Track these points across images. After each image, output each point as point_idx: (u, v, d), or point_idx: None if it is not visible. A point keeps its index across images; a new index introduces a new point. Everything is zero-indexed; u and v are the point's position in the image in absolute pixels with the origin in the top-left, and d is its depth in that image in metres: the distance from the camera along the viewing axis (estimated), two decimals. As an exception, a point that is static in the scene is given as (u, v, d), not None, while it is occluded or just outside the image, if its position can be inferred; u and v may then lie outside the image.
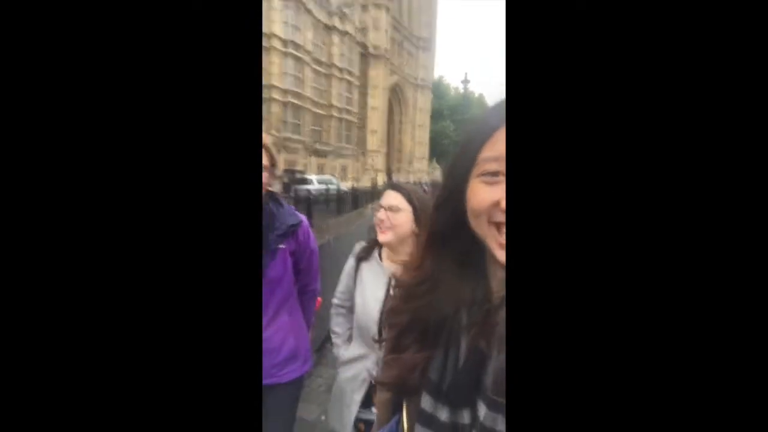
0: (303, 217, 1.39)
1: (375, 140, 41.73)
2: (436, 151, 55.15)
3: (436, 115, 56.26)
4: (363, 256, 1.45)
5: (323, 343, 3.11)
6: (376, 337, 1.24)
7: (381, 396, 0.63)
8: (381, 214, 1.31)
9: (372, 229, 1.38)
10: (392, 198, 1.32)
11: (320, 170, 31.77)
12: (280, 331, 1.32)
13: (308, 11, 30.58)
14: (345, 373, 1.41)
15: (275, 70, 28.04)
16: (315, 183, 19.10)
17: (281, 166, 27.99)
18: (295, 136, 30.32)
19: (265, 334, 1.28)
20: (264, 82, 27.69)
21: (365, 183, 32.73)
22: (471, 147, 0.46)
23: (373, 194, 16.99)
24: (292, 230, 1.32)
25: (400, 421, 0.56)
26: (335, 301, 1.53)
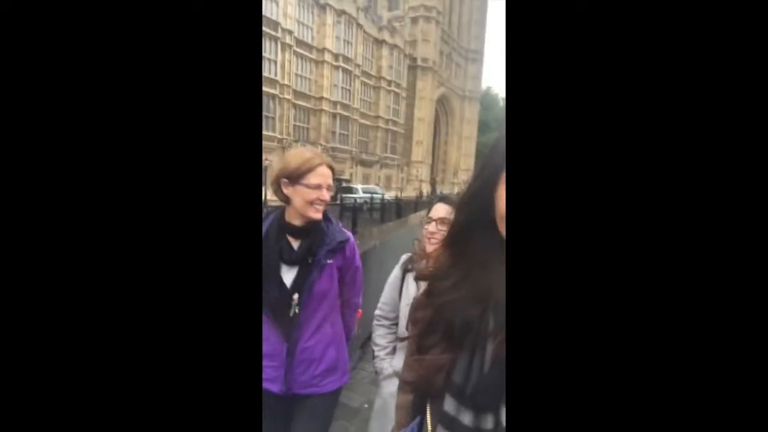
0: (350, 234, 1.42)
1: (420, 151, 41.95)
2: (483, 163, 54.25)
3: (483, 127, 55.60)
4: (409, 267, 1.43)
5: (366, 340, 3.28)
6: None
7: (402, 398, 0.64)
8: (431, 227, 1.31)
9: (418, 241, 1.39)
10: (443, 210, 1.32)
11: (365, 180, 32.42)
12: (322, 342, 1.34)
13: (360, 26, 31.60)
14: (388, 388, 1.38)
15: (326, 83, 29.18)
16: (360, 192, 19.57)
17: (328, 174, 28.89)
18: (343, 146, 31.24)
19: (308, 344, 1.31)
20: (315, 94, 28.92)
21: (409, 193, 32.94)
22: (502, 153, 0.45)
23: (417, 204, 17.13)
24: (341, 246, 1.35)
25: (423, 423, 0.55)
26: (378, 312, 1.51)
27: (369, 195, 15.85)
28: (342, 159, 31.36)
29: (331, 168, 1.31)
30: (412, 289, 1.38)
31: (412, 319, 0.58)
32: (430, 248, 1.28)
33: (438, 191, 40.26)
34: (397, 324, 1.41)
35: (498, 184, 0.47)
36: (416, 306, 0.58)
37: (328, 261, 1.32)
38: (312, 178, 1.27)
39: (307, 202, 1.28)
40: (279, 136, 25.56)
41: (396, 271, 1.46)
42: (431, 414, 0.54)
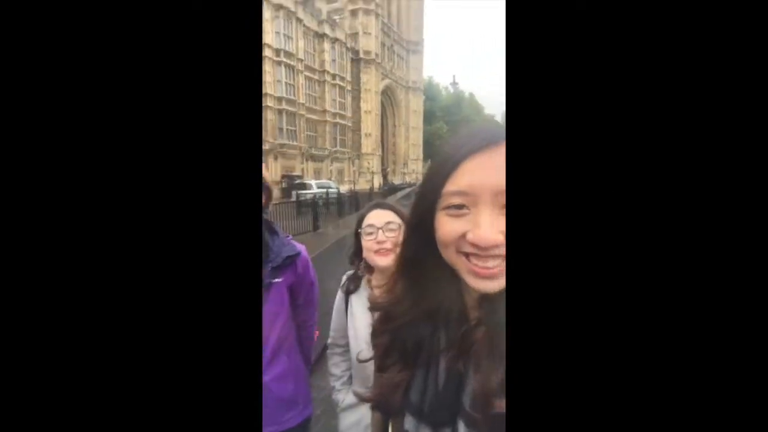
0: (302, 247, 1.26)
1: (370, 143, 42.30)
2: (430, 152, 55.76)
3: (429, 117, 56.94)
4: (351, 289, 1.28)
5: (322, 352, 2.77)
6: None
7: (375, 416, 0.67)
8: (380, 236, 1.14)
9: (355, 256, 1.25)
10: (385, 215, 1.18)
11: (317, 175, 32.27)
12: (277, 375, 1.19)
13: (299, 20, 31.14)
14: (346, 419, 1.27)
15: (268, 79, 28.55)
16: (314, 187, 19.58)
17: (278, 172, 28.48)
18: (292, 143, 30.82)
19: (262, 379, 1.15)
20: (259, 90, 28.20)
21: (362, 185, 33.20)
22: (436, 181, 0.46)
23: (371, 196, 17.49)
24: (289, 262, 1.19)
25: None
26: (329, 340, 1.37)
27: (324, 190, 15.98)
28: (292, 155, 30.95)
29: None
30: (357, 311, 1.25)
31: (373, 345, 0.61)
32: (382, 261, 1.13)
33: (389, 181, 40.84)
34: (349, 350, 1.27)
35: (435, 215, 0.47)
36: (374, 333, 0.61)
37: (275, 280, 1.16)
38: None
39: None
40: (224, 136, 24.74)
41: (339, 294, 1.32)
42: (392, 429, 0.56)
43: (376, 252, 1.14)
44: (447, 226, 0.45)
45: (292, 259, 1.20)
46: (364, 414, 1.17)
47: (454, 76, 69.88)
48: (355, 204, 13.47)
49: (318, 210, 9.62)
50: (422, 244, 0.50)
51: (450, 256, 0.46)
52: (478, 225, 0.42)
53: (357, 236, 1.21)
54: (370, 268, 1.21)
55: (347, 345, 1.28)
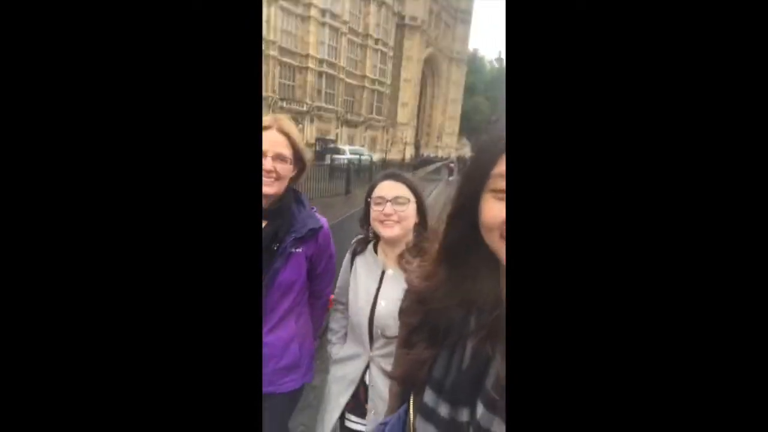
0: (324, 221, 1.28)
1: (406, 113, 41.92)
2: (468, 127, 54.63)
3: (470, 90, 55.36)
4: (358, 250, 1.33)
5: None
6: (366, 337, 1.22)
7: (393, 387, 0.69)
8: (388, 208, 1.17)
9: (364, 221, 1.28)
10: (396, 189, 1.19)
11: (351, 140, 32.56)
12: (283, 338, 1.22)
13: (347, -21, 30.56)
14: (335, 372, 1.32)
15: (311, 39, 28.53)
16: (347, 153, 19.95)
17: (313, 134, 28.94)
18: (329, 106, 31.05)
19: (267, 339, 1.18)
20: (301, 51, 28.34)
21: (394, 155, 33.34)
22: (485, 161, 0.46)
23: (402, 167, 17.72)
24: (311, 234, 1.22)
25: (407, 411, 0.59)
26: (333, 297, 1.41)
27: (357, 156, 16.34)
28: (327, 119, 31.27)
29: (286, 134, 1.14)
30: (360, 272, 1.29)
31: (402, 322, 0.63)
32: (386, 232, 1.17)
33: (422, 154, 40.67)
34: (348, 308, 1.31)
35: (481, 197, 0.47)
36: (406, 311, 0.61)
37: (296, 250, 1.19)
38: None
39: None
40: (264, 94, 25.28)
41: (347, 255, 1.36)
42: (415, 404, 0.57)
43: (382, 222, 1.18)
44: (494, 210, 0.45)
45: (315, 231, 1.23)
46: (351, 368, 1.27)
47: (500, 52, 66.81)
48: (387, 172, 13.83)
49: (350, 175, 10.05)
50: (466, 230, 0.50)
51: (493, 240, 0.46)
52: None
53: (366, 204, 1.25)
54: (376, 236, 1.26)
55: (348, 303, 1.32)
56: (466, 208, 0.49)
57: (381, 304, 1.19)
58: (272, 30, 25.43)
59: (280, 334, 1.22)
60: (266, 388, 1.21)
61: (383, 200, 1.18)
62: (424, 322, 0.57)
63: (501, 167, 0.44)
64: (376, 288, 1.23)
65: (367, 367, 1.24)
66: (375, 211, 1.20)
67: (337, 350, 1.36)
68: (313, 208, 1.30)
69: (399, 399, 0.65)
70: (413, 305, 0.59)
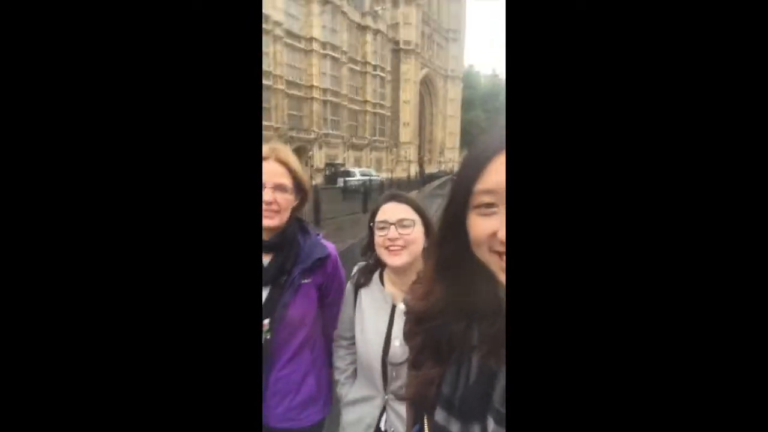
0: (332, 247, 1.25)
1: (407, 132, 43.52)
2: (467, 141, 56.06)
3: (468, 105, 57.06)
4: (362, 282, 1.21)
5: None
6: (380, 379, 1.11)
7: (409, 411, 0.68)
8: (392, 233, 1.06)
9: (367, 249, 1.19)
10: (400, 210, 1.09)
11: (357, 163, 34.07)
12: (298, 371, 1.17)
13: (344, 13, 32.62)
14: (347, 416, 1.19)
15: (315, 71, 30.39)
16: (358, 175, 21.27)
17: (323, 160, 30.50)
18: (335, 132, 32.70)
19: (282, 373, 1.14)
20: (306, 83, 30.18)
21: (399, 174, 34.69)
22: (466, 179, 0.47)
23: (409, 184, 18.95)
24: (319, 264, 1.18)
25: (422, 430, 0.59)
26: (336, 331, 1.29)
27: (367, 177, 17.67)
28: (335, 144, 32.88)
29: (284, 163, 1.10)
30: (366, 307, 1.19)
31: (408, 345, 0.62)
32: (393, 260, 1.08)
33: (424, 171, 42.02)
34: (355, 343, 1.22)
35: (467, 213, 0.48)
36: (408, 334, 0.62)
37: (305, 281, 1.16)
38: None
39: None
40: (275, 125, 26.94)
41: (348, 286, 1.26)
42: (429, 424, 0.57)
43: (387, 249, 1.08)
44: (478, 225, 0.46)
45: (323, 261, 1.19)
46: (366, 411, 1.15)
47: (493, 69, 68.86)
48: (397, 190, 15.12)
49: (357, 197, 11.33)
50: (457, 244, 0.50)
51: (483, 254, 0.47)
52: None
53: (370, 229, 1.16)
54: (381, 264, 1.16)
55: (353, 338, 1.22)
56: (453, 226, 0.50)
57: (395, 344, 1.08)
58: (278, 65, 27.30)
59: (295, 368, 1.18)
60: (284, 424, 1.17)
61: (387, 224, 1.09)
62: (427, 341, 0.57)
63: (482, 184, 0.45)
64: (386, 325, 1.12)
65: (384, 410, 1.12)
66: (379, 236, 1.10)
67: (346, 391, 1.24)
68: (318, 235, 1.27)
69: (412, 421, 0.66)
70: (414, 327, 0.60)
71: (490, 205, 0.44)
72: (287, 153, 1.14)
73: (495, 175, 0.44)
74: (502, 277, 0.44)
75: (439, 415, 0.53)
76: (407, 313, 0.61)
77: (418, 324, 0.58)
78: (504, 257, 0.43)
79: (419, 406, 0.60)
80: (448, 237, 0.52)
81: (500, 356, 0.47)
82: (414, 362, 0.60)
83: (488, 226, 0.44)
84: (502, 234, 0.43)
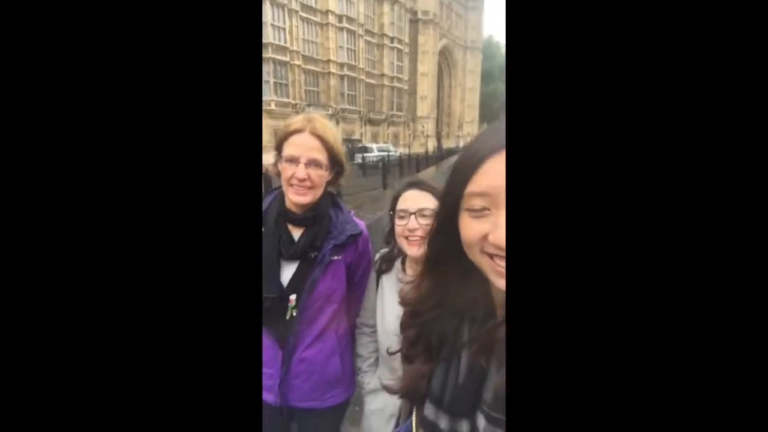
0: (363, 226, 1.21)
1: (425, 106, 42.93)
2: (487, 114, 54.99)
3: (487, 77, 55.62)
4: (384, 269, 1.22)
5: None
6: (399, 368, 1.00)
7: (405, 402, 0.69)
8: (412, 223, 1.03)
9: (389, 237, 1.18)
10: (420, 199, 1.05)
11: (374, 138, 34.01)
12: (323, 351, 1.15)
13: (360, -16, 31.88)
14: (371, 405, 1.21)
15: (331, 45, 30.07)
16: (375, 151, 21.36)
17: (340, 136, 30.54)
18: (352, 107, 32.58)
19: (307, 353, 1.13)
20: (322, 57, 29.93)
21: (416, 149, 34.51)
22: (458, 182, 0.47)
23: (427, 159, 18.97)
24: (351, 241, 1.15)
25: (410, 426, 0.60)
26: (359, 319, 1.28)
27: (385, 153, 17.76)
28: (352, 120, 32.82)
29: (320, 136, 1.05)
30: (386, 292, 1.19)
31: (402, 336, 0.63)
32: (412, 250, 1.06)
33: (441, 146, 41.64)
34: (377, 331, 1.22)
35: (459, 215, 0.48)
36: (402, 326, 0.63)
37: (335, 258, 1.13)
38: (286, 149, 1.05)
39: (285, 181, 1.06)
40: (292, 102, 27.04)
41: (372, 273, 1.26)
42: (417, 417, 0.59)
43: (407, 239, 1.07)
44: (470, 227, 0.46)
45: (355, 238, 1.17)
46: (389, 401, 1.14)
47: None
48: (416, 165, 15.22)
49: (375, 172, 11.56)
50: (448, 243, 0.51)
51: (474, 255, 0.47)
52: (498, 226, 0.42)
53: (391, 217, 1.15)
54: (403, 252, 1.14)
55: (375, 326, 1.23)
56: (446, 224, 0.50)
57: None
58: (295, 40, 27.12)
59: (321, 347, 1.16)
60: (309, 404, 1.17)
61: (407, 213, 1.06)
62: (419, 336, 0.58)
63: (472, 187, 0.45)
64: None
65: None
66: (399, 225, 1.08)
67: (369, 379, 1.25)
68: (350, 212, 1.24)
69: (405, 412, 0.67)
70: (408, 319, 0.61)
71: (481, 208, 0.45)
72: (324, 125, 1.09)
73: (487, 177, 0.44)
74: (493, 279, 0.45)
75: (429, 410, 0.54)
76: (402, 304, 0.63)
77: (411, 317, 0.60)
78: (495, 259, 0.44)
79: (409, 399, 0.62)
80: (439, 235, 0.53)
81: (490, 355, 0.49)
82: (407, 355, 0.61)
83: (479, 229, 0.45)
84: (493, 236, 0.43)
